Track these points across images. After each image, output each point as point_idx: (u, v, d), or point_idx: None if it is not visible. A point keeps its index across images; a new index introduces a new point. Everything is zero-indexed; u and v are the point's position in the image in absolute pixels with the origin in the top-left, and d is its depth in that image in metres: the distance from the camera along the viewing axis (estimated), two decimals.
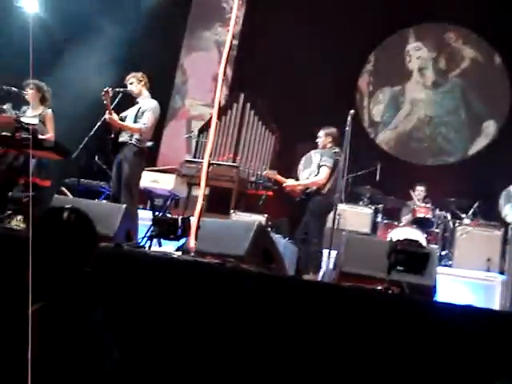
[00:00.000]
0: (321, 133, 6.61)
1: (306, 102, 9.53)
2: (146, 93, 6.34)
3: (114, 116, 6.05)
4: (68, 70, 8.51)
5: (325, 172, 6.36)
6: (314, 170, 6.45)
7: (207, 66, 10.62)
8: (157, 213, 7.23)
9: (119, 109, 6.31)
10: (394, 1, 9.58)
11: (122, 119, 6.20)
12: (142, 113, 6.17)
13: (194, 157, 9.10)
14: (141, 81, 6.29)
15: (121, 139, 6.13)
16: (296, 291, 3.43)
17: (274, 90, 9.71)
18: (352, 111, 6.10)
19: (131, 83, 6.28)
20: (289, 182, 6.68)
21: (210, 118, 9.53)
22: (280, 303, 3.40)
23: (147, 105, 6.24)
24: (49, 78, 7.16)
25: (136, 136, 6.09)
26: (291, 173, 9.06)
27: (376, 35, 10.16)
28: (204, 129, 9.47)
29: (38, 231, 2.09)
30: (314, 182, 6.39)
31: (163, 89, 9.50)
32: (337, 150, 6.49)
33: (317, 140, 6.65)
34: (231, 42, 4.91)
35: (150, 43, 9.49)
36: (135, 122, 6.16)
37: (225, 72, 4.91)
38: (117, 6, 9.01)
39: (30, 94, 6.47)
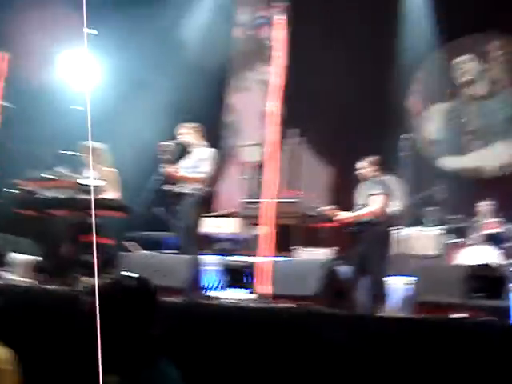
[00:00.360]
0: (363, 164, 6.57)
1: (360, 130, 9.46)
2: (201, 142, 6.43)
3: (173, 168, 6.14)
4: (121, 124, 8.75)
5: (377, 201, 6.29)
6: (366, 200, 6.40)
7: (253, 105, 10.71)
8: (222, 257, 7.25)
9: (175, 160, 6.43)
10: (437, 15, 9.44)
11: (181, 171, 6.29)
12: (200, 161, 6.25)
13: (252, 197, 9.11)
14: (195, 131, 6.39)
15: (180, 190, 6.21)
16: (377, 329, 3.35)
17: (325, 121, 9.67)
18: (405, 135, 6.05)
19: (185, 134, 6.39)
20: (342, 215, 6.60)
21: (264, 157, 9.66)
22: (361, 343, 3.32)
23: (204, 153, 6.33)
24: (105, 134, 7.36)
25: (195, 185, 6.16)
26: (351, 202, 9.03)
27: (420, 52, 10.04)
28: (258, 168, 9.49)
29: (101, 298, 2.10)
30: (368, 213, 6.31)
31: (214, 132, 9.63)
32: (385, 177, 6.46)
33: (360, 171, 6.59)
34: (279, 80, 4.95)
35: (198, 88, 9.68)
36: (193, 171, 6.23)
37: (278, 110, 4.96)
38: (162, 58, 9.27)
39: (87, 156, 6.64)
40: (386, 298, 5.86)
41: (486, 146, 9.77)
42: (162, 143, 6.12)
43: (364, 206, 6.38)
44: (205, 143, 6.47)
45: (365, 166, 6.54)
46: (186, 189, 6.18)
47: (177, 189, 6.21)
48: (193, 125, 6.45)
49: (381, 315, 4.34)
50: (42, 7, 8.11)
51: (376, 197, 6.30)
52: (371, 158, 6.55)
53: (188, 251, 5.72)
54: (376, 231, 6.22)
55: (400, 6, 9.66)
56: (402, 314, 4.14)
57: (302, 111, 9.91)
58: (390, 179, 6.33)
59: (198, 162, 6.27)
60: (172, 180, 6.24)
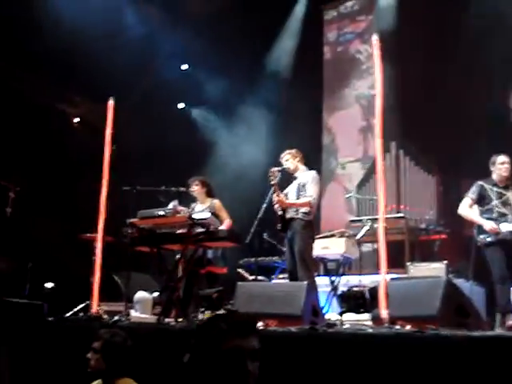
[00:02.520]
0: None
1: (459, 136, 9.21)
2: (302, 167, 6.51)
3: (282, 196, 6.22)
4: (225, 156, 8.99)
5: None
6: None
7: (351, 121, 10.70)
8: (334, 278, 7.23)
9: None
10: None
11: (286, 197, 6.38)
12: (304, 186, 6.31)
13: (358, 215, 9.06)
14: (296, 157, 6.49)
15: (288, 215, 6.28)
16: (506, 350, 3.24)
17: (424, 132, 9.49)
18: None
19: (287, 160, 6.48)
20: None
21: (366, 173, 9.60)
22: (487, 365, 3.22)
23: (307, 177, 6.39)
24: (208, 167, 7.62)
25: (303, 210, 6.22)
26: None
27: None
28: (361, 184, 9.44)
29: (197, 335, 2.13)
30: None
31: (314, 153, 9.69)
32: None
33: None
34: (378, 94, 4.96)
35: (293, 111, 9.80)
36: (298, 197, 6.30)
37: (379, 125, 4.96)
38: (256, 87, 9.46)
39: (196, 190, 6.93)
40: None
41: None
42: (272, 169, 6.26)
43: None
44: (305, 168, 6.53)
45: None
46: (295, 213, 6.24)
47: (287, 215, 6.28)
48: (294, 150, 6.54)
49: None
50: None
51: None
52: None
53: (303, 276, 5.78)
54: None
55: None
56: None
57: (400, 122, 9.80)
58: None
59: (302, 187, 6.33)
60: (281, 207, 6.32)
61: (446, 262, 7.31)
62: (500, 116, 9.18)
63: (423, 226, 8.60)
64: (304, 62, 10.52)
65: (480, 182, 6.20)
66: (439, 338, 3.48)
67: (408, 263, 7.50)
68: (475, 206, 6.20)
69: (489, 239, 5.93)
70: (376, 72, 4.86)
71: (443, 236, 8.39)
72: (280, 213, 6.30)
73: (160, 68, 9.28)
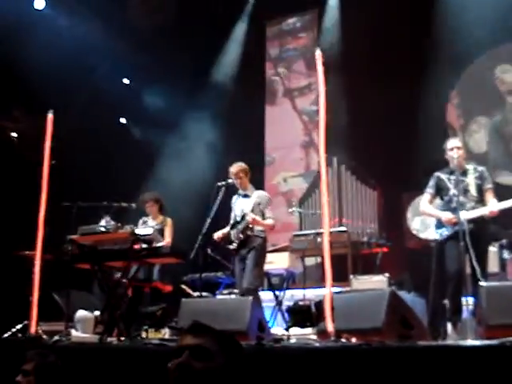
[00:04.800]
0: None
1: (399, 150, 9.40)
2: (250, 184, 6.55)
3: (252, 215, 6.26)
4: (168, 170, 8.92)
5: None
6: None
7: (294, 136, 10.78)
8: (279, 292, 7.23)
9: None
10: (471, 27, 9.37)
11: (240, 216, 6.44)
12: (259, 205, 6.35)
13: (301, 229, 9.10)
14: (247, 174, 6.51)
15: (249, 232, 6.34)
16: (451, 360, 3.28)
17: (365, 146, 9.65)
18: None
19: (239, 176, 6.49)
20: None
21: (309, 188, 9.67)
22: (432, 375, 3.26)
23: (263, 198, 6.48)
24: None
25: (259, 228, 6.30)
26: (401, 224, 8.94)
27: (456, 66, 9.93)
28: (304, 199, 9.50)
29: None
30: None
31: (258, 167, 9.71)
32: None
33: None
34: (320, 110, 5.00)
35: (237, 125, 9.83)
36: (254, 210, 6.36)
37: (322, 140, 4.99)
38: (200, 100, 9.46)
39: (148, 206, 6.92)
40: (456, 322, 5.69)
41: None
42: (218, 183, 6.27)
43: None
44: (252, 186, 6.61)
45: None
46: (251, 231, 6.31)
47: (247, 232, 6.32)
48: (245, 166, 6.57)
49: (453, 344, 4.25)
50: None
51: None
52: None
53: (251, 291, 5.79)
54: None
55: (437, 20, 9.62)
56: (477, 341, 4.03)
57: (341, 138, 9.92)
58: None
59: (258, 205, 6.37)
60: (235, 222, 6.39)
61: (387, 274, 7.41)
62: (437, 129, 9.43)
63: (365, 239, 8.71)
64: (248, 76, 10.55)
65: (436, 174, 5.94)
66: (385, 349, 3.50)
67: (351, 276, 7.58)
68: (437, 200, 5.95)
69: (446, 233, 5.69)
70: (319, 86, 4.89)
71: (385, 249, 8.52)
72: (241, 236, 6.32)
73: (101, 81, 9.12)
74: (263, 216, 6.41)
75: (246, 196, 6.54)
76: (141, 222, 6.97)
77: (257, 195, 6.48)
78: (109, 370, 4.45)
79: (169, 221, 6.98)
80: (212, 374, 2.01)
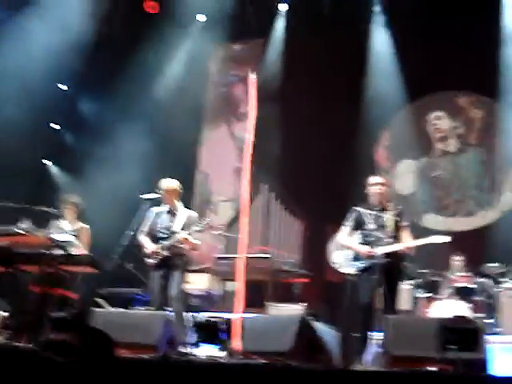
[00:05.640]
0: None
1: (328, 185, 9.59)
2: (179, 202, 6.51)
3: (184, 234, 6.21)
4: (96, 179, 8.78)
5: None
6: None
7: (227, 161, 10.84)
8: (193, 314, 7.17)
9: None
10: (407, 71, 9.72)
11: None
12: (188, 226, 6.31)
13: (225, 252, 9.09)
14: (178, 192, 6.47)
15: (175, 250, 6.26)
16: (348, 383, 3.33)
17: (295, 177, 9.80)
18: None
19: (169, 194, 6.40)
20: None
21: (237, 213, 9.69)
22: None
23: (192, 218, 6.44)
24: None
25: (186, 247, 6.27)
26: (324, 257, 9.06)
27: (388, 109, 10.25)
28: (232, 223, 9.51)
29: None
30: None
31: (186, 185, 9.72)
32: None
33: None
34: (250, 136, 5.05)
35: (171, 141, 9.82)
36: (184, 229, 6.31)
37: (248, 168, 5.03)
38: (135, 113, 9.40)
39: (66, 211, 6.71)
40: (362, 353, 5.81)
41: (459, 203, 9.92)
42: (143, 196, 6.18)
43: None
44: (181, 203, 6.52)
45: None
46: (179, 250, 6.24)
47: (174, 250, 6.25)
48: (178, 184, 6.49)
49: (356, 369, 4.32)
50: None
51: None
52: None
53: (179, 309, 5.86)
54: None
55: (369, 60, 9.96)
56: (376, 368, 4.11)
57: (272, 166, 10.06)
58: None
59: (188, 223, 6.34)
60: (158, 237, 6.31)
61: (305, 304, 7.47)
62: (366, 168, 9.70)
63: (287, 268, 8.76)
64: (188, 93, 10.54)
65: (357, 208, 6.13)
66: (289, 370, 3.52)
67: (268, 303, 7.59)
68: (357, 234, 6.09)
69: (362, 265, 5.84)
70: (250, 108, 4.95)
71: (305, 280, 8.60)
72: (165, 253, 6.23)
73: (36, 86, 8.94)
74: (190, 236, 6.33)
75: (173, 213, 6.43)
76: (56, 223, 6.73)
77: (187, 215, 6.42)
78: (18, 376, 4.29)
79: (86, 228, 6.80)
80: (74, 369, 2.01)
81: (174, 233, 6.28)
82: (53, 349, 2.11)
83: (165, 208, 6.47)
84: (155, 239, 6.35)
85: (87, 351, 2.10)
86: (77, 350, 2.08)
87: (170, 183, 6.44)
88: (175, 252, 6.24)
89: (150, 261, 6.29)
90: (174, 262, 6.24)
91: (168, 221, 6.41)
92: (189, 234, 6.25)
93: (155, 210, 6.50)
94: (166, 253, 6.23)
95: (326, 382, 3.44)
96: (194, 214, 6.57)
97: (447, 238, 5.81)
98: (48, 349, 2.13)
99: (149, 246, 6.29)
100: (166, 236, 6.33)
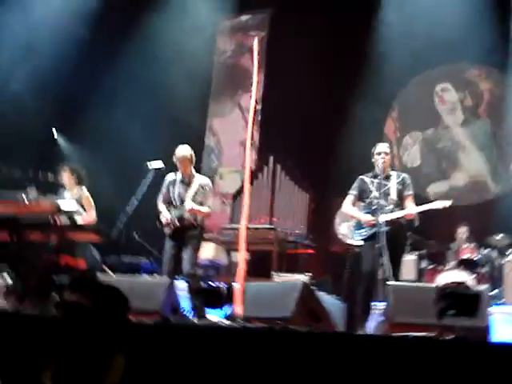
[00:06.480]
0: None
1: (336, 156, 9.56)
2: (193, 170, 6.46)
3: (192, 204, 6.17)
4: (99, 149, 8.79)
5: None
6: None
7: (233, 131, 10.82)
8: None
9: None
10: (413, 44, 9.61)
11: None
12: (200, 193, 6.31)
13: (231, 223, 9.13)
14: (192, 159, 6.41)
15: (190, 219, 6.23)
16: (348, 346, 3.36)
17: (302, 149, 9.77)
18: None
19: (184, 162, 6.34)
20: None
21: (243, 183, 9.71)
22: (333, 360, 3.33)
23: (206, 185, 6.41)
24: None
25: (200, 216, 6.25)
26: (329, 228, 9.08)
27: (399, 80, 10.16)
28: (237, 194, 9.53)
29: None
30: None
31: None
32: None
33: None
34: (255, 108, 5.02)
35: (180, 105, 9.81)
36: (195, 199, 6.27)
37: (252, 137, 5.00)
38: (138, 75, 9.39)
39: (64, 177, 6.66)
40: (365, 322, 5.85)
41: (465, 174, 9.89)
42: (149, 165, 6.16)
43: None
44: (194, 171, 6.49)
45: None
46: (193, 219, 6.21)
47: (186, 220, 6.22)
48: (191, 153, 6.44)
49: (356, 333, 4.36)
50: None
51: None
52: None
53: (193, 279, 5.87)
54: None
55: (379, 31, 9.84)
56: (375, 333, 4.15)
57: (279, 138, 10.03)
58: None
59: (202, 189, 6.33)
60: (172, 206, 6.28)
61: (309, 273, 7.50)
62: (374, 139, 9.66)
63: (292, 239, 8.80)
64: (195, 63, 10.45)
65: (361, 176, 6.14)
66: (289, 334, 3.56)
67: (273, 273, 7.64)
68: (361, 204, 6.12)
69: (365, 233, 5.86)
70: (254, 74, 4.93)
71: (310, 251, 8.64)
72: (177, 223, 6.20)
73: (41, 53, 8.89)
74: (201, 204, 6.30)
75: (186, 181, 6.37)
76: (61, 192, 6.71)
77: (199, 182, 6.37)
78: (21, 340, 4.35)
79: (85, 193, 6.66)
80: (86, 330, 2.04)
81: (184, 202, 6.26)
82: (64, 310, 2.13)
83: (179, 176, 6.41)
84: (169, 208, 6.33)
85: (99, 312, 2.11)
86: (88, 311, 2.10)
87: (183, 150, 6.38)
88: (187, 223, 6.21)
89: (166, 230, 6.28)
90: (188, 233, 6.20)
91: (181, 189, 6.37)
92: (201, 204, 6.25)
93: (170, 177, 6.44)
94: (178, 223, 6.21)
95: (326, 345, 3.48)
96: (206, 181, 6.51)
97: (448, 203, 5.82)
98: (59, 310, 2.14)
99: (165, 214, 6.27)
100: (178, 205, 6.31)
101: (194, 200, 6.25)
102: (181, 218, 6.20)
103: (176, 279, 6.05)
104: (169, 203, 6.36)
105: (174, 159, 6.35)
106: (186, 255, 6.10)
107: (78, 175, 6.72)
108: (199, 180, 6.42)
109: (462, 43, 9.26)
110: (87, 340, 2.09)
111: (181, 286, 6.64)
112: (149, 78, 9.74)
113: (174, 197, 6.35)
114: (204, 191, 6.33)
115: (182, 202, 6.27)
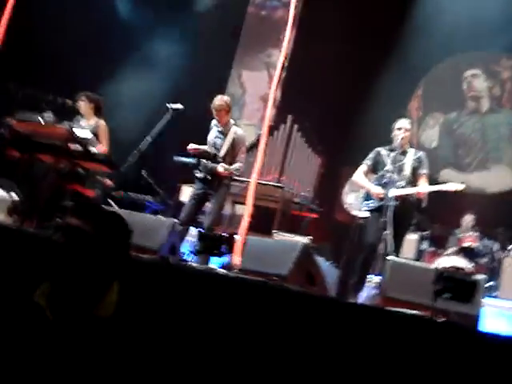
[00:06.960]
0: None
1: (354, 126, 9.49)
2: (230, 120, 6.46)
3: (222, 166, 6.22)
4: (125, 84, 8.74)
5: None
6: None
7: (256, 85, 10.74)
8: (201, 230, 7.26)
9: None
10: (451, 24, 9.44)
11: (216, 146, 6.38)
12: (235, 146, 6.38)
13: (240, 176, 9.11)
14: (229, 109, 6.43)
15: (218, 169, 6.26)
16: (338, 313, 3.40)
17: (321, 114, 9.69)
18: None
19: (221, 112, 6.34)
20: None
21: (257, 137, 9.67)
22: (322, 324, 3.37)
23: (239, 140, 6.44)
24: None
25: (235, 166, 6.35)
26: (335, 196, 9.07)
27: (428, 61, 10.03)
28: (250, 148, 9.50)
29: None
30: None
31: None
32: None
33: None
34: (283, 64, 4.96)
35: (205, 58, 9.72)
36: (228, 152, 6.36)
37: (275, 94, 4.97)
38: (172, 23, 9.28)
39: (81, 105, 6.63)
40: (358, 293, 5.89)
41: (483, 164, 9.80)
42: (169, 105, 6.14)
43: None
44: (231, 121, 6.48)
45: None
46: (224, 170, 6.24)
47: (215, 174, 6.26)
48: (227, 100, 6.43)
49: (349, 301, 4.40)
50: None
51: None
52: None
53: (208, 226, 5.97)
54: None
55: (419, 3, 9.66)
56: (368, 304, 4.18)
57: (301, 99, 9.95)
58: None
59: (235, 144, 6.38)
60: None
61: (310, 237, 7.53)
62: (396, 114, 9.57)
63: (298, 200, 8.80)
64: (228, 12, 10.34)
65: (378, 149, 6.14)
66: (282, 290, 3.59)
67: (275, 231, 7.67)
68: (372, 175, 6.13)
69: (372, 205, 5.88)
70: (287, 30, 4.85)
71: (314, 215, 8.65)
72: (208, 176, 6.24)
73: None
74: (234, 158, 6.36)
75: (222, 132, 6.41)
76: (78, 119, 6.69)
77: (235, 134, 6.40)
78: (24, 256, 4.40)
79: (102, 124, 6.61)
80: (85, 255, 2.06)
81: (216, 156, 6.30)
82: (64, 233, 2.14)
83: (217, 125, 6.46)
84: (208, 152, 6.38)
85: (100, 239, 2.12)
86: (89, 237, 2.11)
87: (219, 100, 6.39)
88: (214, 177, 6.27)
89: (197, 174, 6.37)
90: (215, 186, 6.28)
91: (216, 140, 6.42)
92: (233, 158, 6.29)
93: (213, 122, 6.50)
94: (208, 176, 6.27)
95: (318, 307, 3.51)
96: (241, 133, 6.52)
97: (462, 186, 5.79)
98: (59, 232, 2.15)
99: (198, 146, 6.36)
100: (212, 156, 6.34)
101: (227, 153, 6.31)
102: (210, 171, 6.25)
103: (192, 225, 6.16)
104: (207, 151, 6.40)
105: (213, 110, 6.37)
106: (211, 208, 6.24)
107: (96, 105, 6.69)
108: (235, 131, 6.44)
109: (499, 32, 9.10)
110: (85, 265, 2.10)
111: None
112: (181, 20, 9.62)
113: (211, 145, 6.41)
114: (238, 145, 6.37)
115: (218, 150, 6.33)
